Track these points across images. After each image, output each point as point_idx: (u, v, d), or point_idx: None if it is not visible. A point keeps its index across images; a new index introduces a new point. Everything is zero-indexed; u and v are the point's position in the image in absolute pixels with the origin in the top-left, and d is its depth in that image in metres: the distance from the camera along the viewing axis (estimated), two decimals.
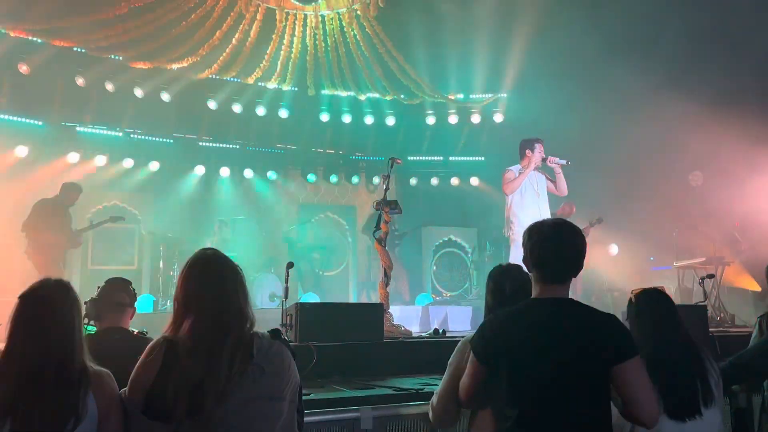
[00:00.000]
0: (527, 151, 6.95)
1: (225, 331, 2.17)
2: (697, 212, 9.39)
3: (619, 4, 9.06)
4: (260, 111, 11.14)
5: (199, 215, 10.76)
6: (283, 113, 11.28)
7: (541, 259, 2.38)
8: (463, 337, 2.93)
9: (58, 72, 9.57)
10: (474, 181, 12.44)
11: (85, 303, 3.24)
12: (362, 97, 11.53)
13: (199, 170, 11.13)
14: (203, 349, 2.12)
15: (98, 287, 3.31)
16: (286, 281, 5.26)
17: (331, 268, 11.96)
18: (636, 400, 2.24)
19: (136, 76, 10.04)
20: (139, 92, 10.10)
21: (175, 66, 10.19)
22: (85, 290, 3.02)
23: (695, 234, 9.11)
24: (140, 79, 10.09)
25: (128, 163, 10.48)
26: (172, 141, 11.05)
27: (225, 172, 11.34)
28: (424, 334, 6.32)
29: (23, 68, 9.06)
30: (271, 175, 11.70)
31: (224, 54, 10.38)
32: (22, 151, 9.45)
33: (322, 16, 10.89)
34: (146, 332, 3.35)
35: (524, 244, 2.46)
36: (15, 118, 9.63)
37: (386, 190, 6.18)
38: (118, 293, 3.28)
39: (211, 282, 2.23)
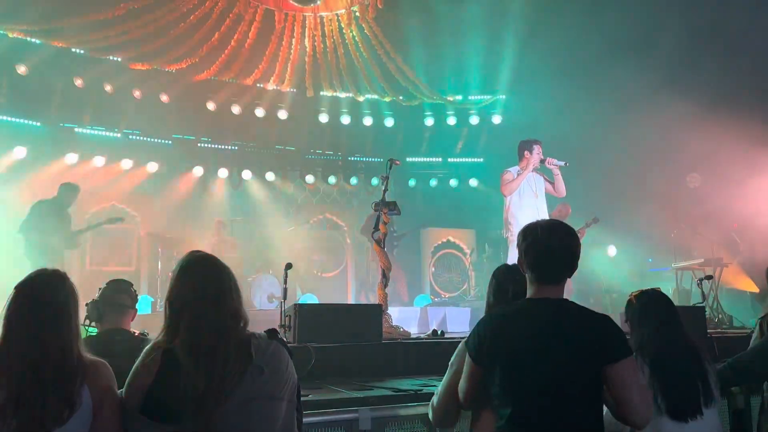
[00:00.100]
0: (525, 152, 6.97)
1: (222, 332, 2.16)
2: (695, 214, 9.41)
3: (618, 5, 9.07)
4: (259, 112, 11.14)
5: (198, 216, 10.75)
6: (282, 114, 11.28)
7: (535, 260, 2.39)
8: (463, 338, 2.93)
9: (56, 73, 9.56)
10: (473, 182, 12.45)
11: (87, 304, 3.26)
12: (361, 99, 11.54)
13: (198, 171, 11.13)
14: (202, 351, 2.11)
15: (99, 289, 3.31)
16: (285, 282, 5.25)
17: (330, 269, 11.96)
18: (628, 400, 2.24)
19: (135, 77, 10.03)
20: (137, 93, 10.09)
21: (173, 67, 10.19)
22: (84, 291, 3.02)
23: (693, 235, 9.13)
24: (139, 81, 10.08)
25: (127, 164, 10.48)
26: (170, 142, 11.05)
27: (223, 173, 11.34)
28: (422, 336, 6.31)
29: (21, 69, 9.05)
30: (270, 176, 11.70)
31: (223, 55, 10.39)
32: (20, 152, 9.43)
33: (321, 18, 10.89)
34: (147, 333, 3.35)
35: (519, 245, 2.47)
36: (13, 119, 9.62)
37: (385, 191, 6.18)
38: (119, 295, 3.29)
39: (206, 284, 2.23)
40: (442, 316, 8.53)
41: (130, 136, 10.69)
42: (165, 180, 10.84)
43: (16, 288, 2.20)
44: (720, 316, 7.69)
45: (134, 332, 3.27)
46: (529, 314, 2.36)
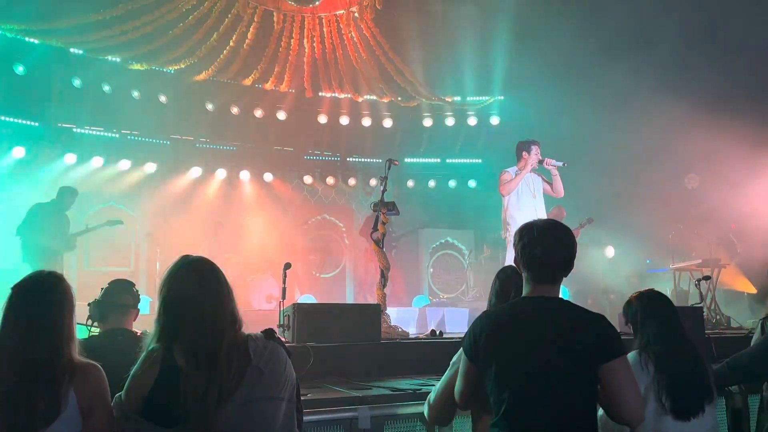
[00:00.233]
0: (524, 152, 6.99)
1: (221, 335, 2.17)
2: (693, 214, 9.43)
3: (615, 6, 9.09)
4: (257, 113, 11.15)
5: (196, 217, 10.73)
6: (281, 115, 11.28)
7: (531, 260, 2.40)
8: (461, 338, 2.94)
9: (54, 73, 9.56)
10: (471, 183, 12.46)
11: (89, 304, 3.28)
12: (359, 99, 11.54)
13: (196, 172, 11.12)
14: (202, 354, 2.12)
15: (102, 289, 3.33)
16: (284, 282, 5.26)
17: (328, 269, 11.96)
18: (622, 399, 2.26)
19: (134, 77, 10.03)
20: (136, 94, 10.09)
21: (172, 68, 10.19)
22: (83, 292, 3.03)
23: (691, 236, 9.15)
24: (137, 81, 10.08)
25: (125, 164, 10.47)
26: (168, 142, 11.04)
27: (221, 173, 11.34)
28: (421, 336, 6.33)
29: (19, 69, 9.04)
30: (268, 176, 11.71)
31: (222, 56, 10.39)
32: (18, 152, 9.42)
33: (320, 19, 10.90)
34: (149, 333, 3.36)
35: (515, 245, 2.48)
36: (11, 119, 9.62)
37: (383, 191, 6.19)
38: (121, 294, 3.30)
39: (203, 288, 2.23)
40: (440, 317, 8.54)
41: (129, 137, 10.68)
42: (163, 180, 10.83)
43: (11, 289, 2.23)
44: (718, 316, 7.70)
45: (136, 332, 3.28)
46: (524, 313, 2.37)
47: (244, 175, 11.53)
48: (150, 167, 10.66)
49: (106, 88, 9.85)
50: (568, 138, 9.13)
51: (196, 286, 2.22)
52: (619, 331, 2.45)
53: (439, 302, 10.75)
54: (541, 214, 6.83)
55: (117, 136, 10.57)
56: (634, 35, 9.29)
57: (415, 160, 12.38)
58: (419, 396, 3.47)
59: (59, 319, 2.20)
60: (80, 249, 8.75)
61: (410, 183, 12.34)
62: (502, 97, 11.77)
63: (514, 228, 6.66)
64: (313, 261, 11.59)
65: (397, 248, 11.29)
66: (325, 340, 4.57)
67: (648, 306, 3.05)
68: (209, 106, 10.79)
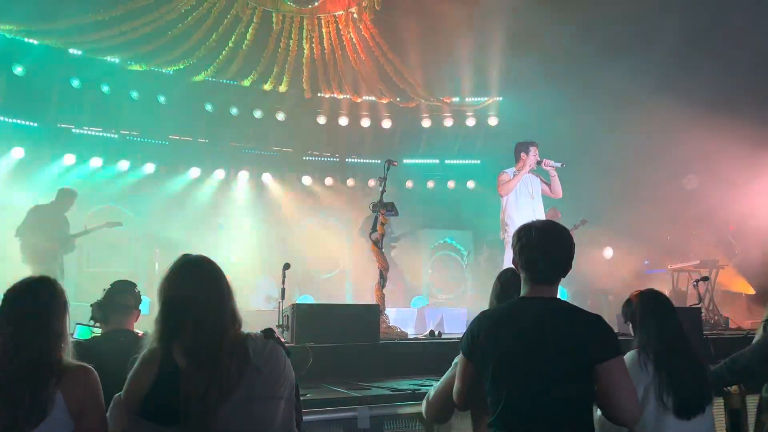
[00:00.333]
0: (522, 154, 7.01)
1: (222, 335, 2.18)
2: (691, 215, 9.44)
3: (614, 7, 9.11)
4: (257, 113, 11.15)
5: (195, 217, 10.73)
6: (280, 116, 11.29)
7: (529, 261, 2.42)
8: (459, 339, 2.94)
9: (53, 73, 9.55)
10: (470, 184, 12.47)
11: (91, 305, 3.32)
12: (358, 100, 11.55)
13: (195, 172, 11.12)
14: (202, 354, 2.13)
15: (104, 290, 3.36)
16: (283, 283, 5.27)
17: (327, 270, 11.96)
18: (617, 399, 2.27)
19: (133, 78, 10.03)
20: (135, 94, 10.09)
21: (171, 68, 10.19)
22: (82, 293, 3.05)
23: (689, 237, 9.16)
24: (136, 81, 10.08)
25: (124, 165, 10.47)
26: (167, 143, 11.04)
27: (220, 174, 11.34)
28: (420, 336, 6.34)
29: (18, 69, 9.04)
30: (267, 177, 11.70)
31: (221, 56, 10.39)
32: (17, 152, 9.42)
33: (319, 20, 10.91)
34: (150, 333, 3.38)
35: (513, 246, 2.51)
36: (10, 120, 9.61)
37: (382, 192, 6.21)
38: (123, 295, 3.33)
39: (205, 287, 2.24)
40: (439, 317, 8.55)
41: (128, 137, 10.68)
42: (162, 181, 10.82)
43: (4, 294, 2.27)
44: (716, 317, 7.72)
45: (138, 333, 3.29)
46: (521, 312, 2.39)
47: (243, 175, 11.52)
48: (149, 168, 10.66)
49: (105, 88, 9.84)
50: (567, 138, 9.14)
51: (196, 286, 2.23)
52: (617, 331, 2.46)
53: (437, 303, 10.75)
54: (540, 215, 6.84)
55: (116, 136, 10.57)
56: (632, 36, 9.29)
57: (413, 160, 12.37)
58: (418, 396, 3.47)
59: (46, 322, 2.22)
60: (79, 250, 8.75)
61: (409, 184, 12.34)
62: (501, 98, 11.77)
63: (512, 229, 6.68)
64: (312, 261, 11.58)
65: (395, 249, 11.29)
66: (324, 340, 4.58)
67: (647, 305, 3.06)
68: (208, 107, 10.79)
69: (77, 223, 8.34)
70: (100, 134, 10.47)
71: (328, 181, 12.11)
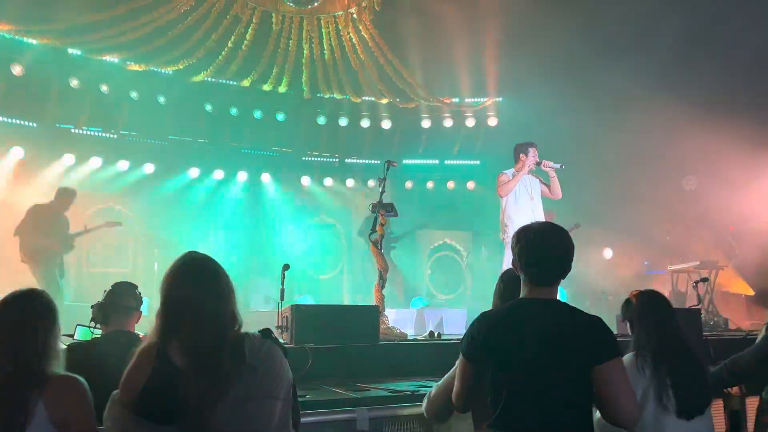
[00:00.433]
0: (521, 155, 7.02)
1: (220, 334, 2.18)
2: (690, 216, 9.44)
3: (614, 7, 9.10)
4: (256, 114, 11.15)
5: (194, 217, 10.73)
6: (279, 116, 11.28)
7: (528, 263, 2.44)
8: (460, 340, 2.94)
9: (52, 73, 9.53)
10: (470, 184, 12.46)
11: (92, 307, 3.33)
12: (358, 101, 11.55)
13: (194, 173, 11.12)
14: (199, 352, 2.13)
15: (105, 291, 3.35)
16: (282, 283, 5.27)
17: (327, 270, 11.95)
18: (616, 400, 2.28)
19: (132, 78, 10.02)
20: (134, 94, 10.08)
21: (171, 68, 10.18)
22: (81, 293, 3.05)
23: (689, 238, 9.16)
24: (136, 82, 10.07)
25: (123, 165, 10.46)
26: (167, 143, 11.03)
27: (219, 174, 11.33)
28: (419, 337, 6.33)
29: (17, 69, 9.02)
30: (266, 177, 11.70)
31: (220, 57, 10.38)
32: (15, 152, 9.41)
33: (318, 20, 10.90)
34: None
35: (513, 248, 2.52)
36: (8, 120, 9.60)
37: (382, 193, 6.20)
38: (124, 297, 3.33)
39: (206, 285, 2.24)
40: (438, 318, 8.54)
41: (127, 137, 10.67)
42: (161, 181, 10.82)
43: None
44: (715, 318, 7.71)
45: (139, 334, 3.29)
46: (520, 314, 2.41)
47: (242, 176, 11.52)
48: (148, 168, 10.66)
49: (104, 88, 9.82)
50: (566, 139, 9.13)
51: (198, 284, 2.23)
52: (616, 332, 2.47)
53: (437, 303, 10.75)
54: (539, 216, 6.85)
55: (115, 136, 10.56)
56: (632, 36, 9.29)
57: (413, 161, 12.36)
58: (417, 397, 3.47)
59: (32, 335, 2.24)
60: (79, 250, 8.74)
61: (408, 184, 12.34)
62: (500, 99, 11.78)
63: (511, 230, 6.68)
64: (312, 262, 11.58)
65: (395, 249, 11.29)
66: (324, 341, 4.57)
67: (645, 305, 3.06)
68: (208, 107, 10.79)
69: (77, 223, 8.33)
70: (100, 134, 10.46)
71: (328, 181, 12.11)
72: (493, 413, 2.31)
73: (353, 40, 10.93)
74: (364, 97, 11.57)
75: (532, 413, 2.25)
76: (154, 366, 2.12)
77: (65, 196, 8.10)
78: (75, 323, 3.66)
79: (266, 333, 2.32)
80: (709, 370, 3.03)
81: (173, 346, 2.15)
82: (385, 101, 11.51)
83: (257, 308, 9.37)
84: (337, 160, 12.41)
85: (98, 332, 3.32)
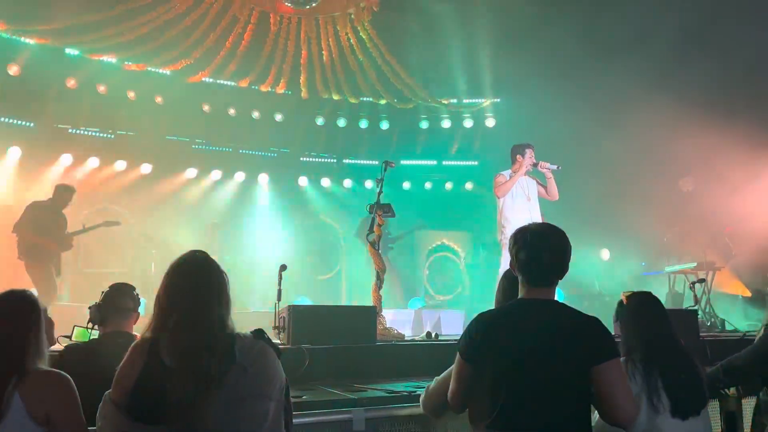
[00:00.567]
0: (518, 156, 7.02)
1: (209, 332, 2.18)
2: (688, 217, 9.44)
3: (611, 8, 9.10)
4: (254, 114, 11.14)
5: (192, 218, 10.73)
6: (277, 117, 11.28)
7: (525, 263, 2.45)
8: (456, 341, 2.94)
9: (50, 73, 9.51)
10: (467, 185, 12.47)
11: (89, 307, 3.32)
12: (356, 101, 11.55)
13: (192, 173, 11.11)
14: (187, 350, 2.13)
15: (102, 292, 3.35)
16: (279, 284, 5.26)
17: (324, 271, 11.95)
18: (614, 400, 2.29)
19: (129, 78, 10.01)
20: (132, 94, 10.07)
21: (168, 69, 10.17)
22: (78, 292, 3.05)
23: (686, 239, 9.16)
24: (133, 82, 10.06)
25: (121, 165, 10.45)
26: (164, 143, 11.02)
27: (217, 175, 11.33)
28: (416, 338, 6.33)
29: (14, 69, 9.01)
30: (264, 178, 11.69)
31: (218, 57, 10.38)
32: (13, 152, 9.40)
33: (317, 20, 10.90)
34: None
35: (510, 249, 2.54)
36: (6, 120, 9.59)
37: (380, 193, 6.20)
38: (122, 298, 3.32)
39: (197, 284, 2.25)
40: (436, 319, 8.55)
41: (125, 137, 10.66)
42: (159, 181, 10.81)
43: None
44: (712, 319, 7.72)
45: (136, 335, 3.29)
46: (518, 314, 2.42)
47: (240, 176, 11.51)
48: (146, 168, 10.65)
49: (102, 88, 9.83)
50: (564, 140, 9.13)
51: (192, 283, 2.24)
52: (613, 333, 2.47)
53: (435, 304, 10.76)
54: (536, 217, 6.85)
55: (113, 136, 10.57)
56: (630, 36, 9.29)
57: (411, 162, 12.37)
58: (414, 398, 3.46)
59: (12, 331, 2.27)
60: (75, 250, 8.71)
61: (406, 185, 12.35)
62: (498, 99, 11.79)
63: (509, 230, 6.69)
64: (309, 262, 11.57)
65: (393, 250, 11.29)
66: (321, 342, 4.56)
67: (637, 306, 3.06)
68: (205, 108, 10.79)
69: (76, 222, 8.32)
70: (97, 134, 10.46)
71: (325, 182, 12.11)
72: (490, 414, 2.31)
73: (351, 40, 10.93)
74: (362, 98, 11.57)
75: (531, 414, 2.25)
76: (145, 361, 2.13)
77: (64, 192, 8.06)
78: (72, 324, 3.66)
79: (259, 333, 2.32)
80: (704, 371, 3.02)
81: (164, 343, 2.15)
82: (383, 102, 11.51)
83: (254, 309, 9.36)
84: (334, 160, 12.42)
85: (96, 333, 3.32)
